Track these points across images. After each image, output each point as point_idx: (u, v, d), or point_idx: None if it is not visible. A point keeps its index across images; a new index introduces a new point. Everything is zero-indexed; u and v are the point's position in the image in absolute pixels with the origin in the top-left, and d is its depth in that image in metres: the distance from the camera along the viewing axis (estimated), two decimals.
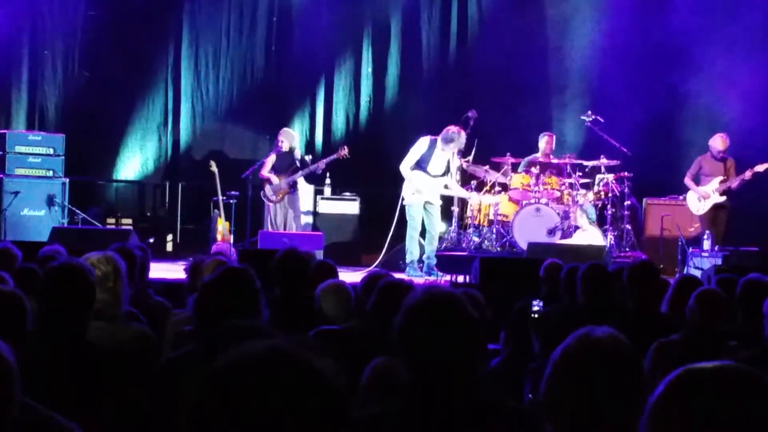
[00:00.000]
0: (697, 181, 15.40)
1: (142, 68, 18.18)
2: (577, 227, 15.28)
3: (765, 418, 2.06)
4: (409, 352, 3.27)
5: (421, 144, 14.59)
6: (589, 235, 14.96)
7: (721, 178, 15.14)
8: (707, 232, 14.76)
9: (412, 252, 14.63)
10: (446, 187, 14.84)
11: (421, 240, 14.79)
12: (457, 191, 15.21)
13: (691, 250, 14.65)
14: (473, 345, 3.27)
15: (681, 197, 15.81)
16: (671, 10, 17.83)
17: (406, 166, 14.60)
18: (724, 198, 15.13)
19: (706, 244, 14.54)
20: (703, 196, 15.17)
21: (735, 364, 2.15)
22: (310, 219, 16.77)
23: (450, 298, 3.30)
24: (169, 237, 17.44)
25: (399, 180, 14.90)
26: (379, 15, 18.88)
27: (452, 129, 14.54)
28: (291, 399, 1.84)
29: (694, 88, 18.06)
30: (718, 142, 15.28)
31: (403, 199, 14.74)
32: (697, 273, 12.44)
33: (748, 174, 15.07)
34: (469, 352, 3.26)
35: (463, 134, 14.57)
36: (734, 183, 15.09)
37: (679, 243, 15.10)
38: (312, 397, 1.86)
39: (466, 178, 15.67)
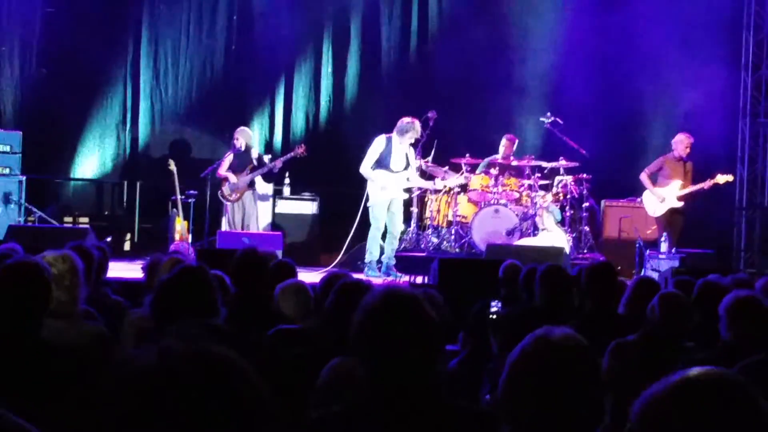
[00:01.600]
0: (654, 180, 15.45)
1: (101, 66, 18.04)
2: (538, 228, 15.33)
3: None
4: (366, 351, 3.26)
5: (378, 143, 14.58)
6: (553, 236, 15.00)
7: (680, 183, 15.19)
8: (665, 234, 14.83)
9: (372, 252, 14.61)
10: (408, 179, 14.82)
11: (381, 241, 14.77)
12: (420, 182, 15.19)
13: (648, 252, 14.71)
14: (430, 345, 3.27)
15: (639, 200, 15.88)
16: (630, 13, 17.94)
17: (366, 167, 14.57)
18: (681, 203, 15.20)
19: (664, 247, 14.61)
20: (659, 199, 15.24)
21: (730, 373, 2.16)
22: (268, 218, 16.72)
23: (407, 297, 3.30)
24: (127, 236, 17.33)
25: (358, 180, 14.88)
26: (339, 14, 18.86)
27: (406, 119, 14.53)
28: (196, 397, 1.82)
29: (652, 91, 18.22)
30: (682, 140, 15.29)
31: (367, 200, 14.70)
32: (654, 275, 12.51)
33: (708, 184, 15.13)
34: (426, 351, 3.25)
35: (417, 123, 14.55)
36: (693, 190, 15.12)
37: (637, 245, 15.16)
38: (219, 388, 1.84)
39: (426, 179, 15.64)
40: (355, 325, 3.29)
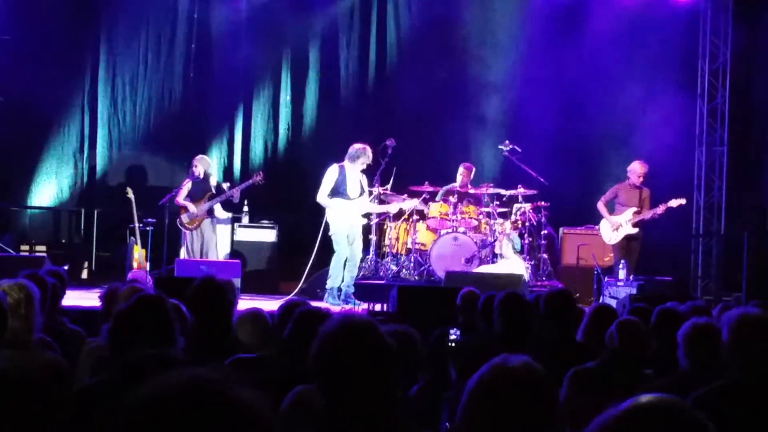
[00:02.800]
0: (611, 208, 15.56)
1: (58, 94, 17.95)
2: (497, 255, 15.36)
3: None
4: (324, 379, 3.25)
5: (331, 172, 14.58)
6: (512, 264, 15.03)
7: (635, 209, 15.31)
8: (622, 261, 14.90)
9: (334, 278, 14.55)
10: (366, 207, 14.82)
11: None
12: (376, 208, 15.18)
13: (606, 279, 14.78)
14: (387, 372, 3.26)
15: (596, 227, 15.97)
16: (588, 43, 18.09)
17: (323, 196, 14.55)
18: (636, 230, 15.30)
19: (621, 274, 14.67)
20: (614, 227, 15.33)
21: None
22: (227, 246, 16.66)
23: (364, 326, 3.29)
24: (85, 264, 17.21)
25: (317, 208, 14.85)
26: (297, 42, 18.87)
27: (357, 146, 14.55)
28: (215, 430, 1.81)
29: (610, 119, 18.33)
30: (636, 167, 15.44)
31: (328, 228, 14.67)
32: (612, 302, 12.56)
33: (661, 208, 15.26)
34: (384, 379, 3.24)
35: (368, 149, 14.56)
36: (647, 216, 15.25)
37: (595, 272, 15.24)
38: (237, 428, 1.83)
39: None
40: (313, 353, 3.28)
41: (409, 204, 15.42)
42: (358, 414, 3.18)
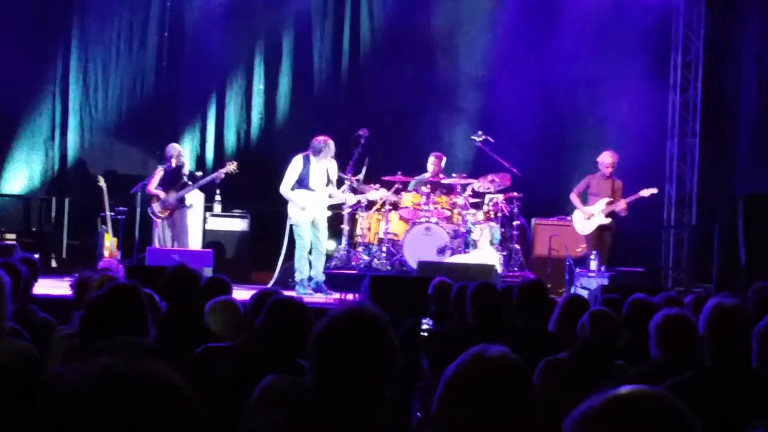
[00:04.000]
0: (584, 199, 15.61)
1: (29, 81, 17.86)
2: (469, 245, 15.35)
3: None
4: (322, 360, 3.23)
5: (296, 163, 14.58)
6: (484, 254, 15.02)
7: (607, 199, 15.36)
8: (594, 252, 14.94)
9: (301, 271, 14.58)
10: (331, 196, 14.82)
11: (310, 257, 14.75)
12: (343, 197, 15.14)
13: (578, 270, 14.81)
14: (387, 367, 3.26)
15: (569, 218, 16.01)
16: (561, 33, 18.11)
17: (285, 188, 14.56)
18: (609, 220, 15.35)
19: (593, 265, 14.71)
20: (586, 216, 15.38)
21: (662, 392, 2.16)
22: (200, 235, 16.62)
23: (375, 316, 3.28)
24: (54, 253, 17.13)
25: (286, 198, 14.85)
26: (271, 31, 18.82)
27: (319, 139, 14.56)
28: (132, 413, 1.81)
29: (582, 110, 18.39)
30: (606, 158, 15.49)
31: (290, 219, 14.69)
32: (584, 293, 12.60)
33: (632, 198, 15.33)
34: (382, 373, 3.24)
35: (331, 142, 14.57)
36: (618, 207, 15.30)
37: (567, 263, 15.28)
38: (153, 406, 1.83)
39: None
40: (318, 332, 3.26)
41: (379, 194, 15.41)
42: (349, 401, 3.18)
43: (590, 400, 2.13)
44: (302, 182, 14.52)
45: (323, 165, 14.60)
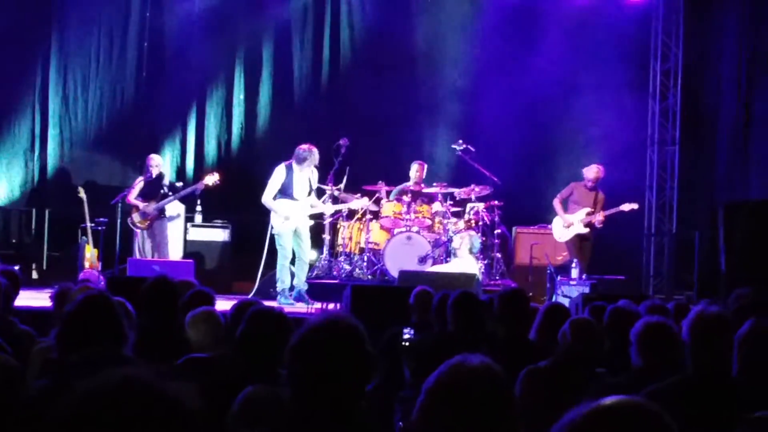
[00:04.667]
0: (565, 206, 15.68)
1: (9, 92, 17.81)
2: (450, 254, 15.35)
3: None
4: (298, 371, 3.22)
5: (279, 173, 14.57)
6: (465, 263, 15.03)
7: (588, 209, 15.43)
8: (575, 260, 14.98)
9: (283, 281, 14.57)
10: (312, 206, 14.81)
11: (292, 267, 14.73)
12: (322, 207, 15.09)
13: (559, 278, 14.84)
14: (363, 376, 3.26)
15: (549, 226, 16.04)
16: (541, 42, 18.15)
17: (268, 197, 14.55)
18: (587, 230, 15.41)
19: (574, 273, 14.74)
20: (566, 224, 15.44)
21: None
22: (180, 246, 16.58)
23: (349, 325, 3.28)
24: (35, 264, 17.06)
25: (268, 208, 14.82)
26: (251, 41, 18.81)
27: (303, 147, 14.56)
28: (147, 429, 1.81)
29: (562, 118, 18.44)
30: (591, 172, 15.61)
31: (272, 228, 14.67)
32: (566, 301, 12.61)
33: (612, 211, 15.42)
34: (358, 381, 3.24)
35: (315, 150, 14.58)
36: (597, 219, 15.36)
37: (548, 271, 15.30)
38: (168, 426, 1.83)
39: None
40: (293, 343, 3.26)
41: (360, 203, 15.40)
42: (326, 411, 3.17)
43: (574, 411, 2.12)
44: (285, 191, 14.51)
45: (306, 174, 14.60)
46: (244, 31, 18.77)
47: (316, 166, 14.73)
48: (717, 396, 4.68)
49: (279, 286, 14.59)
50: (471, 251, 15.42)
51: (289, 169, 14.52)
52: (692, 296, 15.55)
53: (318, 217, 15.21)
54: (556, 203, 15.66)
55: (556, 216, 15.70)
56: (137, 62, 18.50)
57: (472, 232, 15.52)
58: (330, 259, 15.77)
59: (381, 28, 18.68)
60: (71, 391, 1.87)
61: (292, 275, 14.71)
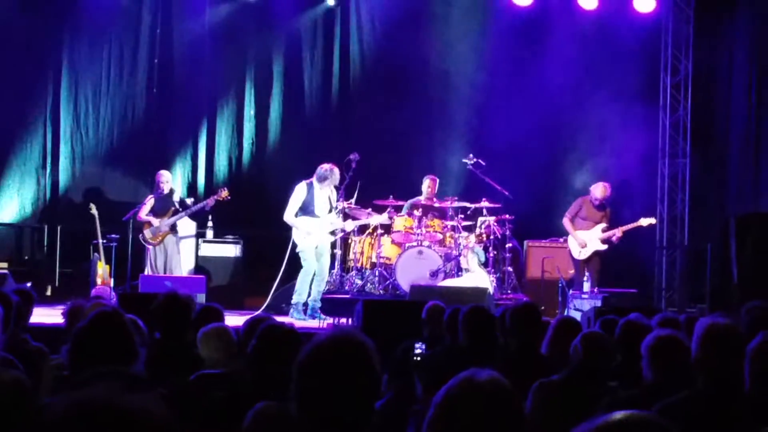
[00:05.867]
0: (573, 222, 15.64)
1: (20, 110, 17.84)
2: (462, 269, 15.35)
3: None
4: (304, 388, 3.22)
5: (299, 191, 14.57)
6: (476, 277, 15.03)
7: (603, 225, 15.41)
8: (587, 274, 14.96)
9: (300, 293, 14.53)
10: (332, 223, 14.81)
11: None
12: (341, 224, 15.07)
13: (571, 291, 14.82)
14: (371, 392, 3.25)
15: (561, 239, 16.03)
16: (551, 56, 18.15)
17: (290, 215, 14.54)
18: (605, 246, 15.39)
19: (586, 286, 14.73)
20: (581, 245, 15.41)
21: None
22: (192, 262, 16.60)
23: (357, 341, 3.27)
24: (48, 281, 17.07)
25: (281, 223, 14.81)
26: (261, 57, 18.85)
27: (324, 166, 14.57)
28: None
29: (573, 132, 18.44)
30: (598, 191, 15.59)
31: (296, 246, 14.64)
32: (577, 314, 12.58)
33: (631, 226, 15.40)
34: (366, 398, 3.23)
35: (336, 170, 14.60)
36: (617, 235, 15.34)
37: (559, 285, 15.28)
38: None
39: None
40: (300, 360, 3.25)
41: (379, 219, 15.41)
42: (334, 428, 3.17)
43: (585, 425, 2.12)
44: (306, 209, 14.51)
45: (326, 192, 14.62)
46: (254, 46, 18.81)
47: (336, 186, 14.75)
48: (729, 409, 4.67)
49: (295, 298, 14.57)
50: (480, 263, 15.42)
51: (310, 186, 14.54)
52: (704, 309, 15.50)
53: (332, 233, 15.16)
54: (567, 222, 15.64)
55: (568, 235, 15.67)
56: (148, 78, 18.53)
57: (475, 246, 15.51)
58: (342, 273, 15.79)
59: (391, 42, 18.69)
60: (46, 413, 1.91)
61: (310, 291, 14.69)
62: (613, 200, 15.87)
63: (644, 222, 15.49)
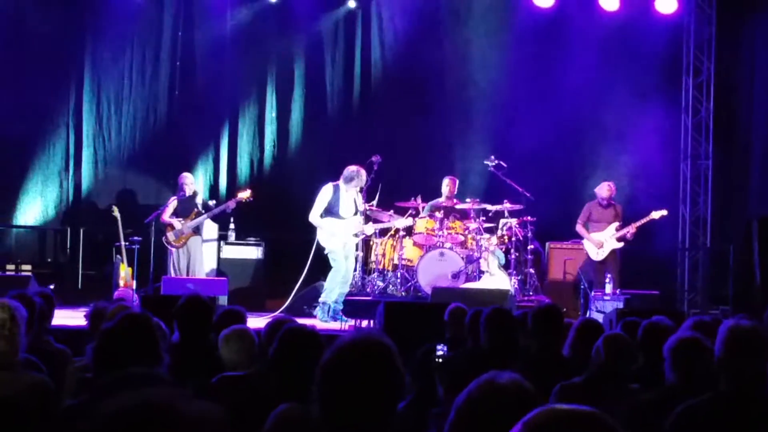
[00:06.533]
0: (587, 227, 15.63)
1: (43, 113, 17.93)
2: (483, 272, 15.33)
3: None
4: (328, 390, 3.22)
5: (326, 192, 14.57)
6: (496, 280, 15.03)
7: (616, 224, 15.40)
8: (608, 275, 14.93)
9: (330, 292, 14.48)
10: (356, 226, 14.80)
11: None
12: (362, 227, 15.05)
13: (593, 293, 14.79)
14: (394, 395, 3.25)
15: (582, 241, 15.99)
16: (573, 57, 18.12)
17: (315, 216, 14.54)
18: (621, 244, 15.38)
19: (608, 288, 14.69)
20: (597, 245, 15.39)
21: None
22: (214, 264, 16.63)
23: (381, 344, 3.27)
24: (71, 283, 17.14)
25: (303, 225, 14.83)
26: (282, 59, 18.87)
27: (351, 168, 14.56)
28: None
29: (595, 133, 18.39)
30: (603, 190, 15.62)
31: (320, 248, 14.63)
32: (599, 316, 12.56)
33: (643, 221, 15.36)
34: (389, 401, 3.23)
35: (363, 172, 14.58)
36: (630, 231, 15.32)
37: (581, 286, 15.25)
38: None
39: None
40: (324, 362, 3.25)
41: (404, 222, 15.41)
42: (355, 430, 3.17)
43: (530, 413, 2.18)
44: (331, 210, 14.51)
45: (352, 194, 14.62)
46: (275, 48, 18.84)
47: (361, 189, 14.74)
48: (752, 412, 4.65)
49: (323, 297, 14.55)
50: (500, 265, 15.42)
51: (336, 188, 14.54)
52: (728, 311, 15.45)
53: (356, 236, 15.16)
54: (580, 228, 15.63)
55: (584, 239, 15.65)
56: (170, 81, 18.59)
57: (494, 248, 15.51)
58: (363, 275, 15.80)
59: (412, 44, 18.69)
60: (96, 411, 1.89)
61: None
62: (635, 201, 15.84)
63: (656, 215, 15.43)
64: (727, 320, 5.07)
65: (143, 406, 1.87)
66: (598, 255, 15.46)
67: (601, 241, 15.37)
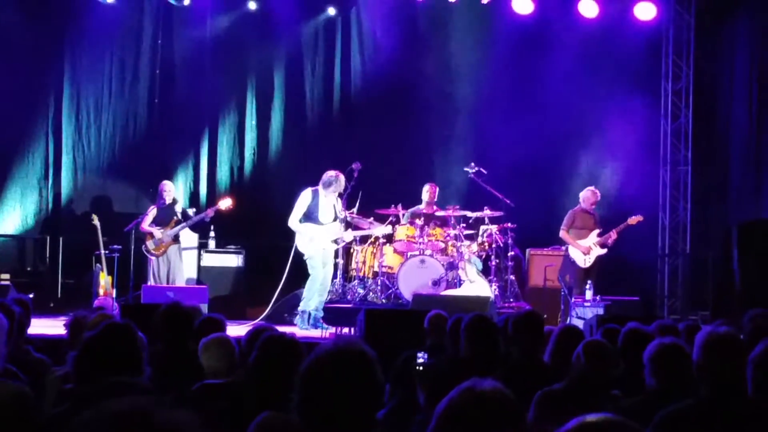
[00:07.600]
0: (570, 234, 15.64)
1: (22, 121, 17.87)
2: (462, 280, 15.32)
3: None
4: (307, 399, 3.22)
5: (305, 197, 14.55)
6: (476, 287, 15.03)
7: (597, 230, 15.43)
8: (589, 282, 14.95)
9: (308, 300, 14.47)
10: (335, 232, 14.78)
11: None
12: (341, 234, 15.03)
13: (573, 300, 14.80)
14: (374, 401, 3.25)
15: (563, 248, 16.00)
16: (552, 64, 18.15)
17: (294, 221, 14.51)
18: (605, 250, 15.40)
19: (588, 294, 14.71)
20: (585, 251, 15.40)
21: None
22: (194, 272, 16.60)
23: (359, 352, 3.27)
24: (50, 292, 17.08)
25: (283, 233, 14.83)
26: (262, 67, 18.86)
27: (330, 173, 14.55)
28: None
29: (574, 140, 18.42)
30: (589, 195, 15.61)
31: (301, 253, 14.60)
32: (580, 322, 12.57)
33: (620, 227, 15.39)
34: (369, 408, 3.23)
35: (342, 177, 14.57)
36: (610, 239, 15.35)
37: (562, 293, 15.27)
38: None
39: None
40: (303, 371, 3.25)
41: (383, 230, 15.41)
42: None
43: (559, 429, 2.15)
44: (310, 216, 14.48)
45: (331, 200, 14.60)
46: (255, 57, 18.83)
47: (340, 194, 14.72)
48: (733, 417, 4.67)
49: (302, 306, 14.50)
50: (478, 271, 15.44)
51: (316, 193, 14.52)
52: (707, 317, 15.50)
53: (335, 243, 15.16)
54: (564, 235, 15.62)
55: (568, 246, 15.65)
56: (149, 89, 18.55)
57: (471, 257, 15.51)
58: (344, 283, 15.78)
59: (392, 51, 18.69)
60: (74, 421, 1.89)
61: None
62: (615, 208, 15.86)
63: (632, 221, 15.50)
64: (706, 326, 5.09)
65: (119, 415, 1.87)
66: (585, 262, 15.47)
67: (589, 246, 15.39)
